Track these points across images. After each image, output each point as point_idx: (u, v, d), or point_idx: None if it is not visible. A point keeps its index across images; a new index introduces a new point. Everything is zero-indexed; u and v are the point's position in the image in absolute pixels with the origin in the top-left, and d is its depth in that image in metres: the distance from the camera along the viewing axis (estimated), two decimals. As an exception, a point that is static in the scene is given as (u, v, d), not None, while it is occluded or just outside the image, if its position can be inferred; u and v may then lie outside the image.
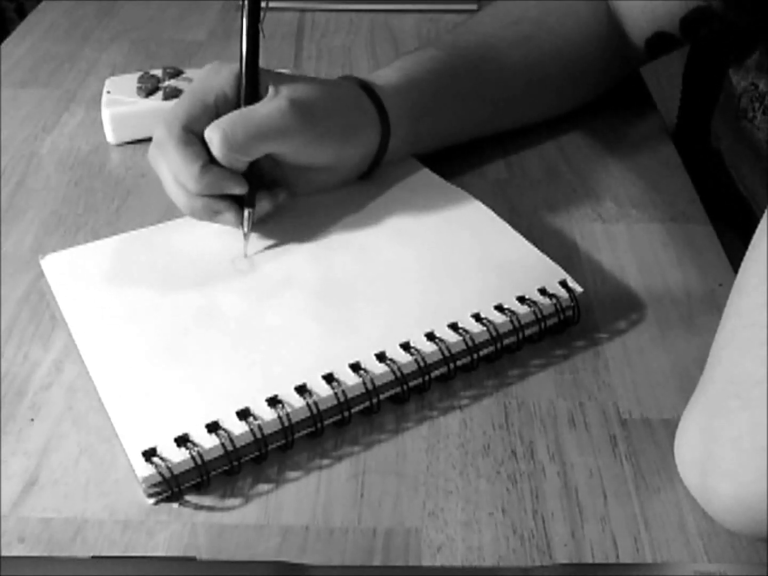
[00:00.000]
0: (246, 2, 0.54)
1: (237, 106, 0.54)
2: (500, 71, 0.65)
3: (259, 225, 0.56)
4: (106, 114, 0.68)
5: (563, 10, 0.68)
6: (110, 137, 0.69)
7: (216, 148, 0.52)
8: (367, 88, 0.59)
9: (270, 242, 0.56)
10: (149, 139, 0.68)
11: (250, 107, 0.53)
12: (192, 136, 0.53)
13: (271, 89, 0.54)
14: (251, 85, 0.54)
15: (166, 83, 0.70)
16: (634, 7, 0.68)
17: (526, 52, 0.66)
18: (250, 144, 0.52)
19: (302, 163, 0.56)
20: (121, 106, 0.68)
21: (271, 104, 0.53)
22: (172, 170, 0.53)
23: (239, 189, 0.53)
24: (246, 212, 0.54)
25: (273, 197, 0.56)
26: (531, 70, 0.66)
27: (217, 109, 0.54)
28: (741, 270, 0.42)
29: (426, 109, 0.62)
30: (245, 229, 0.54)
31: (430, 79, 0.62)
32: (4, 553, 0.40)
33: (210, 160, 0.53)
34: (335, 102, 0.57)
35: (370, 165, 0.60)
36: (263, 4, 0.55)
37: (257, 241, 0.55)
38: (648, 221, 0.61)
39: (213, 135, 0.52)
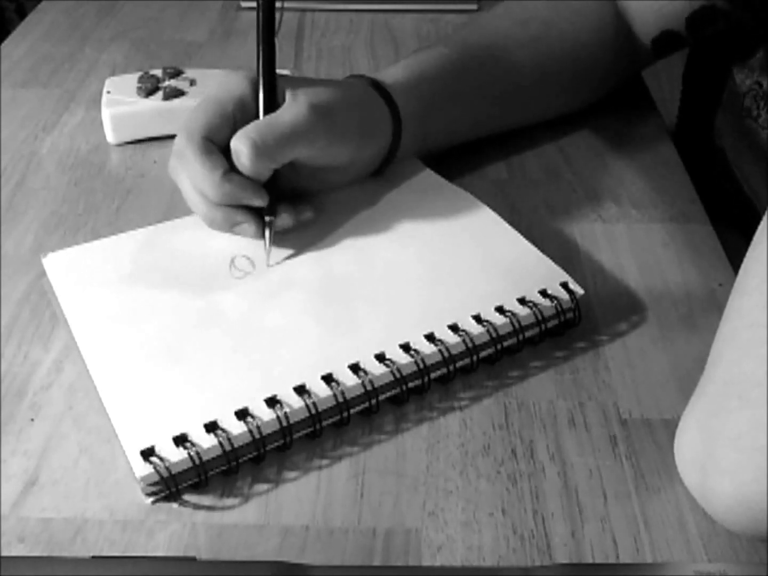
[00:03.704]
0: (261, 11, 0.54)
1: (255, 112, 0.54)
2: (509, 70, 0.65)
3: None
4: (106, 114, 0.68)
5: (572, 11, 0.68)
6: (110, 137, 0.69)
7: (245, 156, 0.51)
8: (377, 86, 0.59)
9: (271, 243, 0.55)
10: (149, 139, 0.69)
11: (273, 115, 0.53)
12: (212, 145, 0.53)
13: (288, 95, 0.54)
14: (269, 93, 0.54)
15: (166, 83, 0.70)
16: (641, 7, 0.68)
17: (535, 52, 0.66)
18: (278, 151, 0.52)
19: (321, 164, 0.56)
20: (121, 106, 0.68)
21: (293, 110, 0.53)
22: (192, 180, 0.53)
23: (259, 200, 0.53)
24: (267, 219, 0.54)
25: (296, 213, 0.56)
26: (540, 69, 0.66)
27: (235, 118, 0.54)
28: (742, 270, 0.42)
29: (435, 105, 0.62)
30: (267, 239, 0.54)
31: (438, 77, 0.62)
32: (4, 553, 0.40)
33: (230, 169, 0.52)
34: (351, 102, 0.57)
35: (381, 163, 0.60)
36: (278, 15, 0.55)
37: (258, 242, 0.55)
38: (648, 221, 0.61)
39: (241, 144, 0.52)
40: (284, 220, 0.55)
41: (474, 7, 0.91)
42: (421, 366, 0.47)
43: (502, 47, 0.66)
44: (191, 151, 0.52)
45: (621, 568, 0.40)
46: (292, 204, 0.56)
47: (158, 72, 0.71)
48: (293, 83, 0.55)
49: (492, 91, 0.65)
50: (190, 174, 0.53)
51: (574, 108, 0.71)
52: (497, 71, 0.65)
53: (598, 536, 0.41)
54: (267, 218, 0.54)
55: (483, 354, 0.49)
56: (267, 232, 0.54)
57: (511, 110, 0.67)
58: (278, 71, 0.56)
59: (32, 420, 0.47)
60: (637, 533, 0.41)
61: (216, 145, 0.53)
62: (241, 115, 0.54)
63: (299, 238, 0.56)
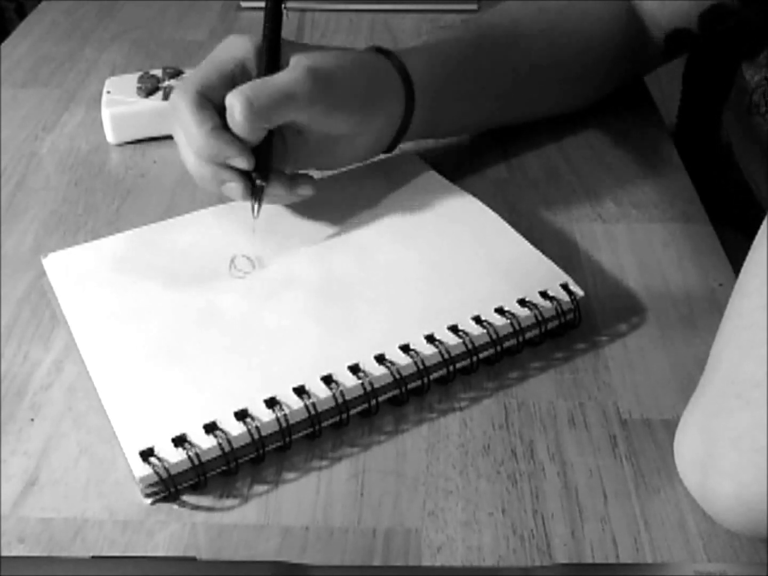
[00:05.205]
0: None
1: (255, 77, 0.54)
2: (522, 55, 0.65)
3: (261, 225, 0.56)
4: (106, 114, 0.68)
5: (583, 4, 0.68)
6: (110, 137, 0.69)
7: (238, 112, 0.51)
8: (390, 55, 0.59)
9: (272, 242, 0.55)
10: (149, 139, 0.69)
11: (271, 76, 0.53)
12: (205, 100, 0.53)
13: (292, 59, 0.54)
14: (272, 56, 0.54)
15: (166, 83, 0.70)
16: (654, 5, 0.68)
17: (550, 40, 0.66)
18: (271, 109, 0.52)
19: (326, 131, 0.56)
20: (121, 106, 0.68)
21: (292, 72, 0.53)
22: (185, 132, 0.53)
23: (244, 161, 0.52)
24: (257, 183, 0.53)
25: (290, 185, 0.55)
26: (553, 57, 0.66)
27: (234, 79, 0.54)
28: (743, 271, 0.42)
29: (450, 81, 0.62)
30: (253, 203, 0.54)
31: (454, 55, 0.62)
32: (4, 553, 0.40)
33: (223, 127, 0.52)
34: (357, 69, 0.57)
35: (394, 135, 0.60)
36: None
37: (259, 241, 0.55)
38: (648, 221, 0.61)
39: (235, 100, 0.51)
40: (276, 188, 0.54)
41: (474, 7, 0.91)
42: (421, 367, 0.47)
43: (516, 32, 0.66)
44: (184, 104, 0.53)
45: (621, 568, 0.40)
46: (290, 178, 0.56)
47: (158, 72, 0.71)
48: (298, 49, 0.55)
49: (504, 73, 0.65)
50: (182, 126, 0.53)
51: (580, 101, 0.71)
52: (511, 54, 0.65)
53: (598, 536, 0.41)
54: (258, 182, 0.54)
55: (483, 355, 0.49)
56: (254, 197, 0.54)
57: (522, 96, 0.67)
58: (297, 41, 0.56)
59: (32, 420, 0.47)
60: (637, 533, 0.41)
61: (211, 103, 0.53)
62: (241, 76, 0.54)
63: (300, 238, 0.56)
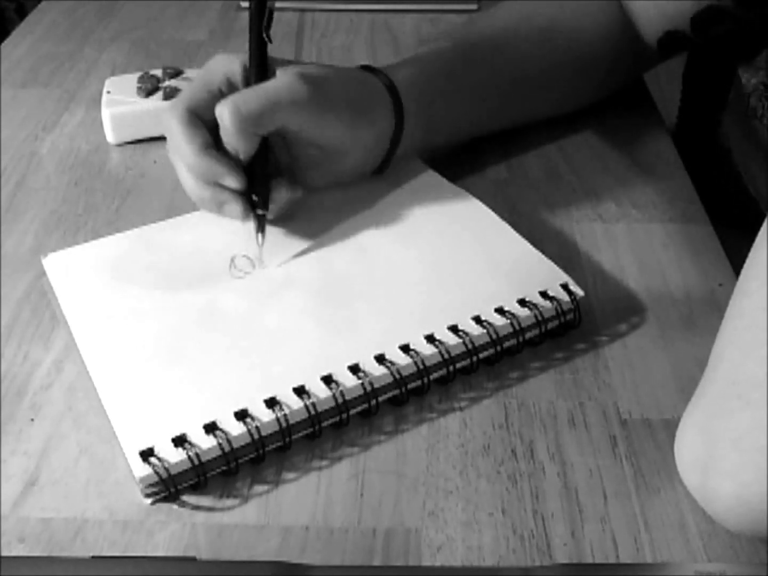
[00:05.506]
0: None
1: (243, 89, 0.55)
2: (513, 62, 0.65)
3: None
4: (106, 114, 0.68)
5: (576, 8, 0.68)
6: (110, 137, 0.69)
7: (227, 119, 0.51)
8: (378, 72, 0.59)
9: (272, 242, 0.55)
10: (149, 139, 0.69)
11: (260, 84, 0.53)
12: (195, 118, 0.53)
13: (279, 70, 0.54)
14: (260, 69, 0.55)
15: (166, 83, 0.70)
16: (645, 7, 0.68)
17: (539, 45, 0.66)
18: (261, 115, 0.52)
19: (316, 139, 0.56)
20: (121, 106, 0.68)
21: (281, 77, 0.54)
22: (177, 151, 0.53)
23: (235, 181, 0.52)
24: (259, 212, 0.54)
25: (288, 189, 0.56)
26: (544, 62, 0.66)
27: (222, 95, 0.54)
28: (743, 271, 0.42)
29: (438, 92, 0.61)
30: (258, 235, 0.54)
31: (440, 66, 0.62)
32: (4, 553, 0.40)
33: (215, 145, 0.53)
34: (344, 80, 0.57)
35: (385, 154, 0.59)
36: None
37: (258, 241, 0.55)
38: (648, 221, 0.61)
39: (224, 108, 0.52)
40: (281, 196, 0.55)
41: (474, 6, 0.91)
42: (421, 367, 0.47)
43: (506, 40, 0.65)
44: (174, 122, 0.53)
45: (621, 568, 0.40)
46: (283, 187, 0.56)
47: (158, 72, 0.71)
48: (285, 63, 0.56)
49: (496, 82, 0.65)
50: (175, 146, 0.53)
51: (576, 105, 0.71)
52: (501, 62, 0.65)
53: (598, 536, 0.41)
54: (258, 211, 0.54)
55: (483, 355, 0.49)
56: (255, 224, 0.54)
57: (515, 103, 0.67)
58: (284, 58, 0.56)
59: (32, 420, 0.47)
60: (637, 533, 0.41)
61: (202, 121, 0.53)
62: (228, 92, 0.54)
63: (300, 238, 0.56)
